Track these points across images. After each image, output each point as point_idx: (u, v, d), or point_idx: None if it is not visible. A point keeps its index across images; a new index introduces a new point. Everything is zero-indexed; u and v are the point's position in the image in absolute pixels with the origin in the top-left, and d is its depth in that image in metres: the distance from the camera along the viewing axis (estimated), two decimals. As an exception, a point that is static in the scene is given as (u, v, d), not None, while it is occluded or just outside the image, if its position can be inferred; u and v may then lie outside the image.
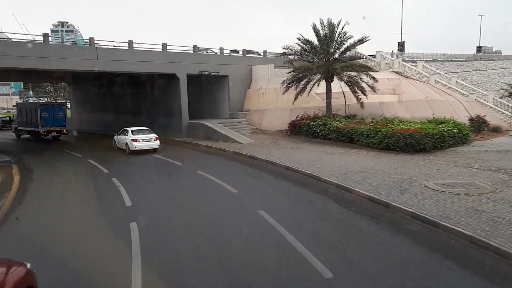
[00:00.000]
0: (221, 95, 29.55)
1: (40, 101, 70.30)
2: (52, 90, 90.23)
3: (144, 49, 24.22)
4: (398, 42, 59.16)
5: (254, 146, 21.19)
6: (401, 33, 59.76)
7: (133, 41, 23.40)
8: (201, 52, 27.82)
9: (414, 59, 45.96)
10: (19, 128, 31.47)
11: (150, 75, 25.93)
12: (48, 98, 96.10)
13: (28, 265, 5.27)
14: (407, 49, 58.55)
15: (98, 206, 11.21)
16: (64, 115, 28.81)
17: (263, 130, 27.16)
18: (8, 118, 41.79)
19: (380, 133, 18.76)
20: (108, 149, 22.97)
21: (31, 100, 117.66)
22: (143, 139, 20.10)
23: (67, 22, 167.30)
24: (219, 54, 28.55)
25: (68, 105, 38.79)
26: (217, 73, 27.64)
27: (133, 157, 19.72)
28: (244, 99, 29.85)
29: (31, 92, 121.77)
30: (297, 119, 24.51)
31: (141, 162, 18.53)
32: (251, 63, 30.28)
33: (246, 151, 19.46)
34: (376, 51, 36.23)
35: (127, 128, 21.36)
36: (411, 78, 32.65)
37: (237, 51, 31.40)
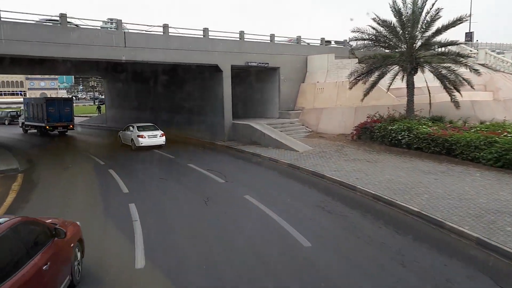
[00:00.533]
0: (269, 90, 25.06)
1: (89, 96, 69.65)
2: (96, 85, 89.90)
3: (181, 34, 20.18)
4: (466, 33, 51.86)
5: (315, 155, 16.52)
6: (470, 22, 52.09)
7: (169, 25, 19.41)
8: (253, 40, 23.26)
9: (495, 50, 39.19)
10: (26, 123, 31.19)
11: (187, 66, 21.93)
12: (94, 93, 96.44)
13: (78, 223, 6.84)
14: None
15: (92, 264, 7.08)
16: (70, 111, 28.71)
17: (320, 133, 22.38)
18: (15, 113, 41.84)
19: (497, 144, 13.45)
20: (140, 154, 19.33)
21: (80, 95, 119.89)
22: (149, 136, 19.79)
23: (117, 19, 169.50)
24: (269, 41, 24.01)
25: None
26: (266, 65, 23.17)
27: (165, 169, 15.80)
28: (297, 95, 25.15)
29: (80, 86, 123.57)
30: (368, 120, 19.50)
31: (173, 176, 14.47)
32: (306, 52, 25.49)
33: (306, 164, 14.86)
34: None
35: (132, 124, 21.09)
36: (502, 72, 26.49)
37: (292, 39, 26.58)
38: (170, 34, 19.59)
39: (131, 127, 20.80)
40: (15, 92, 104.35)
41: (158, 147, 20.06)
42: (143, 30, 19.18)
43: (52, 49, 15.83)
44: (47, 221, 5.88)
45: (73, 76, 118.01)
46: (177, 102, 26.57)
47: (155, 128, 20.70)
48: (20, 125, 33.32)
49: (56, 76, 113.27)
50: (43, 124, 27.74)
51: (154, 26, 18.82)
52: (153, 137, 19.91)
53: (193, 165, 15.83)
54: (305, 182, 12.92)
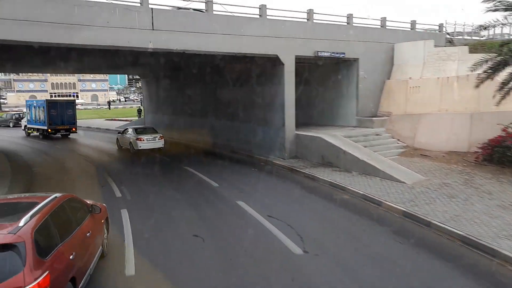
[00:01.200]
0: (343, 90, 18.98)
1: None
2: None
3: (230, 13, 14.76)
4: None
5: (438, 193, 10.33)
6: None
7: (212, 0, 14.08)
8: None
9: None
10: (28, 126, 30.58)
11: (237, 57, 16.48)
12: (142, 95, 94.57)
13: (104, 205, 8.00)
14: None
15: None
16: (73, 113, 28.04)
17: (420, 149, 16.00)
18: (18, 115, 41.18)
19: None
20: (178, 178, 14.26)
21: (131, 97, 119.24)
22: (147, 139, 19.62)
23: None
24: (346, 24, 17.94)
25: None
26: (342, 55, 17.18)
27: (205, 212, 10.42)
28: (380, 96, 18.86)
29: (133, 88, 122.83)
30: (506, 135, 12.92)
31: (216, 231, 9.00)
32: (393, 39, 19.10)
33: (435, 215, 8.77)
34: None
35: (130, 127, 21.52)
36: None
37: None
38: (214, 12, 14.24)
39: (129, 130, 20.61)
40: (68, 94, 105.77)
41: (158, 150, 19.80)
42: (176, 7, 13.96)
43: (50, 33, 10.99)
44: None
45: (126, 76, 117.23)
46: (222, 106, 21.31)
47: (153, 130, 20.62)
48: (23, 128, 32.49)
49: (107, 77, 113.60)
50: (45, 127, 27.20)
51: (192, 1, 13.50)
52: (152, 140, 19.64)
53: (246, 205, 10.31)
54: (455, 261, 6.82)
